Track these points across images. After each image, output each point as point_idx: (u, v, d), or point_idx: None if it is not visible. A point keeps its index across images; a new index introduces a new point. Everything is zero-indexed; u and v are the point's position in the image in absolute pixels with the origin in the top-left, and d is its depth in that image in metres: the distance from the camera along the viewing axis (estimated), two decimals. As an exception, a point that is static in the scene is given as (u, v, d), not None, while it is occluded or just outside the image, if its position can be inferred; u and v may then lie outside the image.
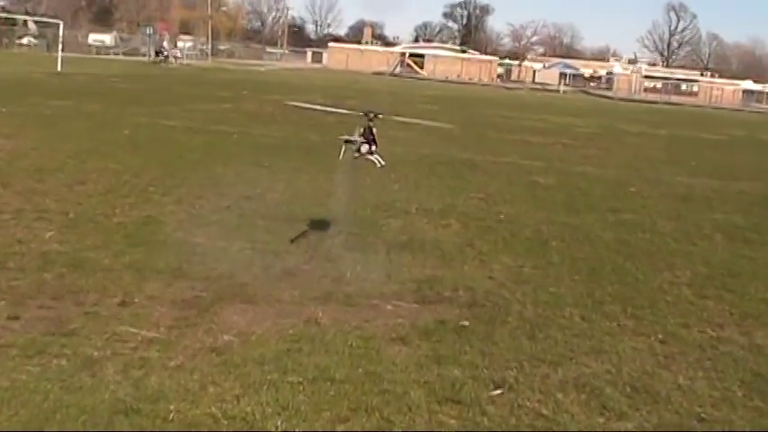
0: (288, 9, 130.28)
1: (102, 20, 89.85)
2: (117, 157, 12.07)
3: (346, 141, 8.00)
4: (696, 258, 8.50)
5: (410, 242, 8.17)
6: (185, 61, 70.62)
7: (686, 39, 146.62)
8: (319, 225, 8.54)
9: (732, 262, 8.48)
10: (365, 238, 8.18)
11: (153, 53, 69.43)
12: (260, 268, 6.83)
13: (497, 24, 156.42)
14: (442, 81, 79.38)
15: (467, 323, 5.83)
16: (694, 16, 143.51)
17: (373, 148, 7.90)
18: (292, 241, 7.84)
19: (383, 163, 8.00)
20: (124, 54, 75.31)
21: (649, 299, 6.84)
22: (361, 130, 7.91)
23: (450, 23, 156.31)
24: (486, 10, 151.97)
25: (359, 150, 7.88)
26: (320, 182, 11.35)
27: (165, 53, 69.34)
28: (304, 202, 9.75)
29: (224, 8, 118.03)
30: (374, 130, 7.88)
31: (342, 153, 8.07)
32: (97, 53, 72.85)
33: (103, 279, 6.18)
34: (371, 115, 7.84)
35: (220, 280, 6.40)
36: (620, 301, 6.66)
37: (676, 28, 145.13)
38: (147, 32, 73.92)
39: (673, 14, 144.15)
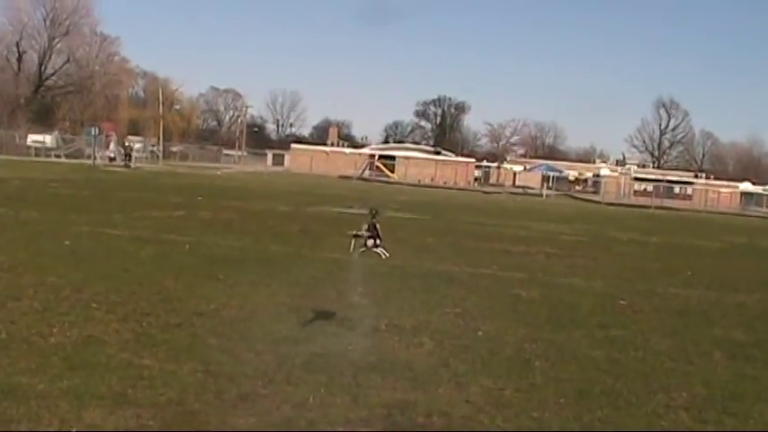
0: (247, 108, 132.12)
1: (43, 119, 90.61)
2: (56, 271, 12.04)
3: (355, 236, 9.99)
4: (694, 379, 8.55)
5: (379, 363, 8.16)
6: (134, 164, 71.07)
7: (678, 138, 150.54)
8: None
9: (733, 382, 8.53)
10: (329, 358, 8.17)
11: (123, 156, 70.84)
12: (213, 393, 6.79)
13: (474, 123, 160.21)
14: (415, 185, 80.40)
15: (442, 453, 5.81)
16: (686, 114, 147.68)
17: (378, 241, 9.74)
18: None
19: (388, 255, 9.96)
20: (66, 156, 75.91)
21: (643, 424, 6.86)
22: (366, 226, 9.85)
23: (423, 122, 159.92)
24: (461, 108, 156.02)
25: (365, 245, 9.78)
26: (281, 297, 11.36)
27: (129, 154, 70.80)
28: (263, 320, 9.75)
29: (177, 107, 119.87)
30: (377, 225, 9.82)
31: (352, 246, 10.03)
32: (37, 155, 73.37)
33: (37, 407, 6.11)
34: (374, 212, 10.02)
35: (169, 407, 6.35)
36: (611, 427, 6.67)
37: (667, 126, 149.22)
38: (92, 133, 74.52)
39: (663, 112, 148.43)
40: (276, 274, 13.40)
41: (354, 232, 9.96)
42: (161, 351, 7.96)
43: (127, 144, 77.16)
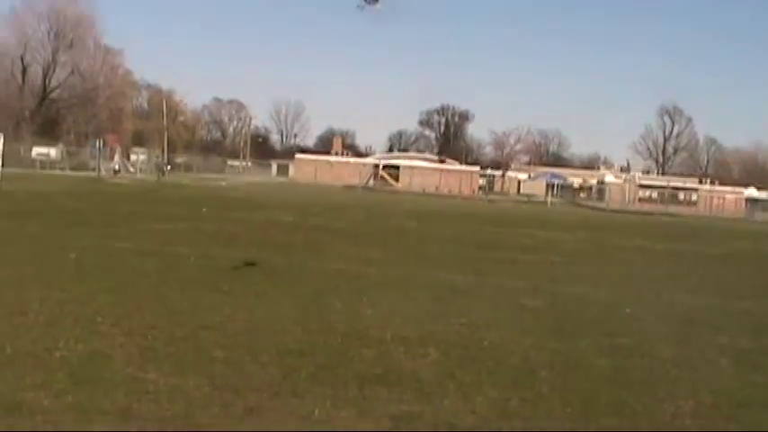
0: (251, 118, 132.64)
1: (48, 132, 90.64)
2: (61, 285, 12.05)
3: None
4: (700, 386, 8.52)
5: (385, 374, 8.15)
6: (138, 176, 71.20)
7: (682, 144, 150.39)
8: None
9: (740, 390, 8.51)
10: (335, 370, 8.16)
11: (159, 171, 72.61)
12: (219, 407, 6.78)
13: (478, 132, 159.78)
14: (420, 194, 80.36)
15: (448, 465, 5.80)
16: (690, 120, 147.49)
17: None
18: None
19: (380, 8, 12.74)
20: (71, 168, 76.01)
21: (649, 433, 6.84)
22: None
23: (427, 131, 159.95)
24: (465, 117, 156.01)
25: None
26: (286, 309, 11.36)
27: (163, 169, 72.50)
28: (268, 332, 9.74)
29: (181, 118, 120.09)
30: None
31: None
32: (42, 168, 73.45)
33: (43, 422, 6.10)
34: None
35: (175, 421, 6.35)
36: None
37: (671, 132, 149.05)
38: (97, 145, 74.76)
39: (667, 118, 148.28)
40: (281, 285, 13.40)
41: None
42: (166, 365, 7.96)
43: (159, 159, 79.00)
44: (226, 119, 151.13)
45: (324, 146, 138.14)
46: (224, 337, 9.30)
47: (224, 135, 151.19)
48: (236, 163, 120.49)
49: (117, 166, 77.90)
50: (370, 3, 10.41)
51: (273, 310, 11.23)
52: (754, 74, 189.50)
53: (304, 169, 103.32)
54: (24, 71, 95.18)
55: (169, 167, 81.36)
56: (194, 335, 9.34)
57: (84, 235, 19.32)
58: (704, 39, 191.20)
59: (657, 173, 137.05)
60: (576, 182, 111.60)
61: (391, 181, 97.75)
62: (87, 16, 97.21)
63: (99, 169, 70.70)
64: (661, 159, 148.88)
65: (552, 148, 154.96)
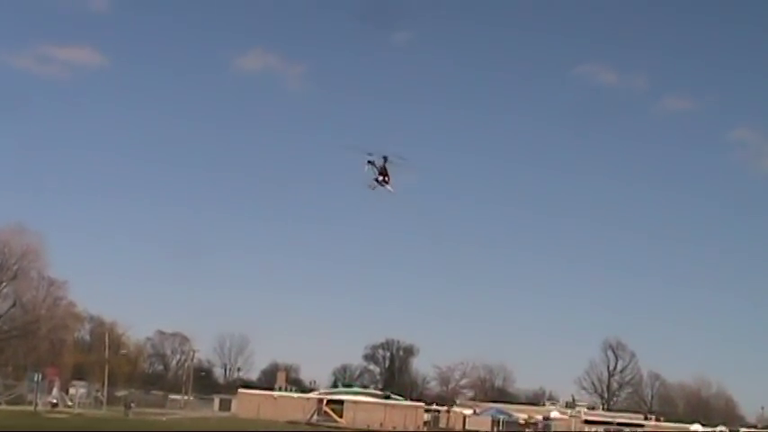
0: (194, 352, 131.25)
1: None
2: None
3: (369, 162, 16.21)
4: None
5: None
6: (77, 410, 70.01)
7: (627, 379, 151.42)
8: None
9: None
10: None
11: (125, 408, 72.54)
12: None
13: (423, 366, 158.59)
14: (364, 430, 79.55)
15: None
16: (633, 355, 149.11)
17: (387, 178, 15.17)
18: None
19: (393, 191, 15.71)
20: (7, 402, 74.53)
21: None
22: (378, 168, 15.42)
23: (372, 366, 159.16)
24: (410, 351, 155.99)
25: (377, 180, 15.55)
26: None
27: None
28: None
29: (123, 351, 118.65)
30: (387, 168, 14.86)
31: (366, 169, 15.74)
32: (-25, 402, 71.96)
33: None
34: (386, 158, 14.49)
35: None
36: None
37: (615, 368, 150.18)
38: (35, 379, 73.73)
39: (611, 353, 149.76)
40: None
41: (368, 158, 14.72)
42: None
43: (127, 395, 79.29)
44: (169, 351, 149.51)
45: (267, 380, 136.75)
46: None
47: (166, 368, 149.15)
48: (177, 397, 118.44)
49: (55, 400, 76.55)
50: (381, 184, 14.34)
51: None
52: (695, 309, 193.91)
53: (247, 404, 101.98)
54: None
55: (133, 404, 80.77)
56: None
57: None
58: (645, 274, 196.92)
59: (603, 408, 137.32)
60: (522, 417, 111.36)
61: (335, 417, 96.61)
62: (33, 249, 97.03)
63: (36, 403, 69.44)
64: (606, 395, 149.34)
65: (497, 383, 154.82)
